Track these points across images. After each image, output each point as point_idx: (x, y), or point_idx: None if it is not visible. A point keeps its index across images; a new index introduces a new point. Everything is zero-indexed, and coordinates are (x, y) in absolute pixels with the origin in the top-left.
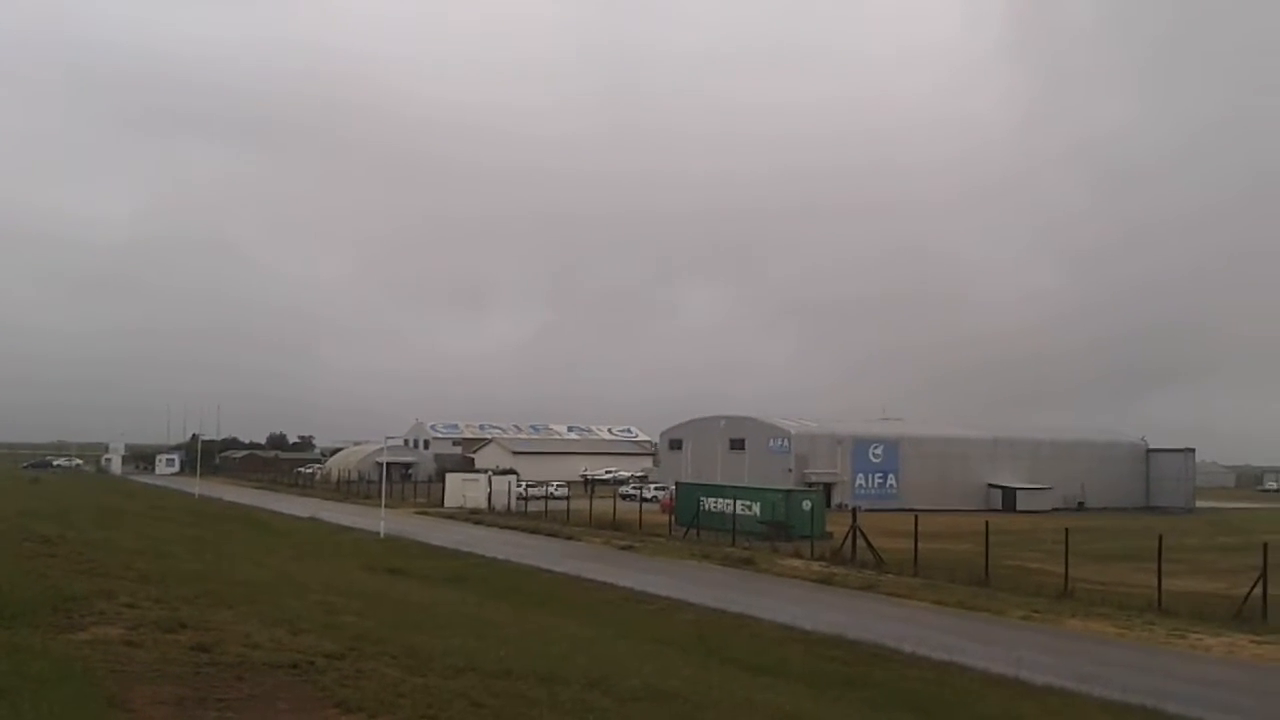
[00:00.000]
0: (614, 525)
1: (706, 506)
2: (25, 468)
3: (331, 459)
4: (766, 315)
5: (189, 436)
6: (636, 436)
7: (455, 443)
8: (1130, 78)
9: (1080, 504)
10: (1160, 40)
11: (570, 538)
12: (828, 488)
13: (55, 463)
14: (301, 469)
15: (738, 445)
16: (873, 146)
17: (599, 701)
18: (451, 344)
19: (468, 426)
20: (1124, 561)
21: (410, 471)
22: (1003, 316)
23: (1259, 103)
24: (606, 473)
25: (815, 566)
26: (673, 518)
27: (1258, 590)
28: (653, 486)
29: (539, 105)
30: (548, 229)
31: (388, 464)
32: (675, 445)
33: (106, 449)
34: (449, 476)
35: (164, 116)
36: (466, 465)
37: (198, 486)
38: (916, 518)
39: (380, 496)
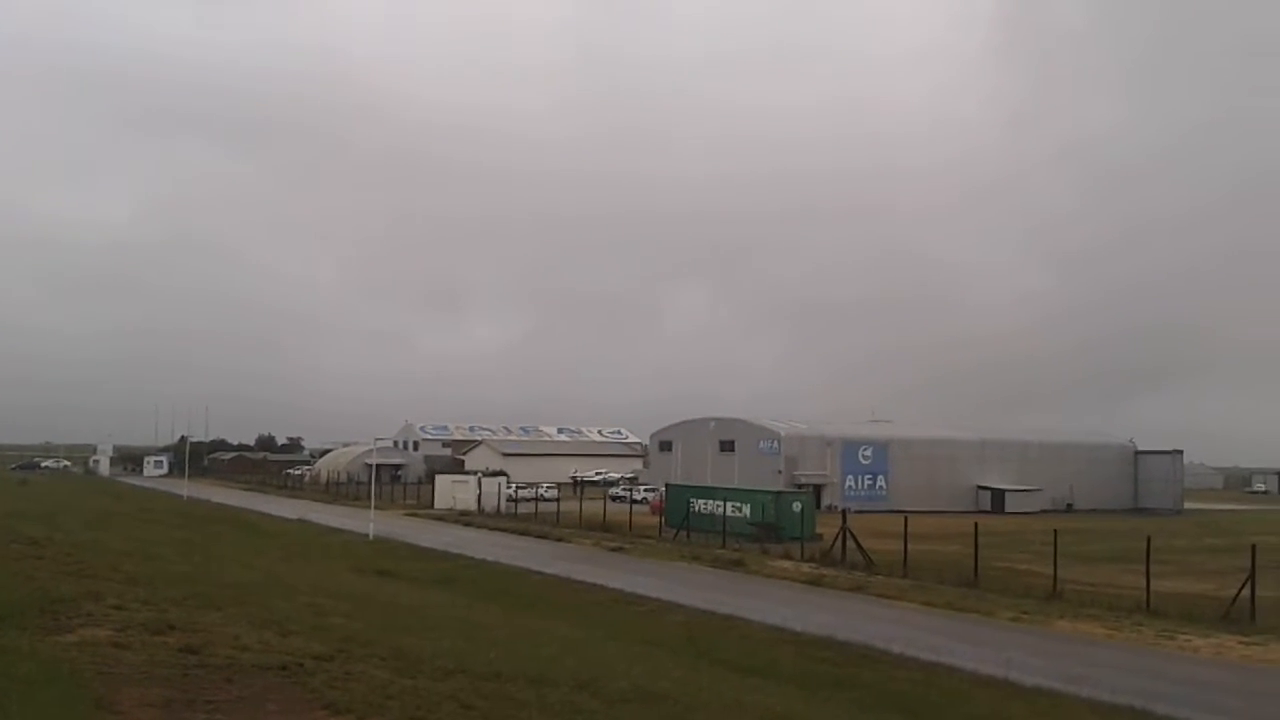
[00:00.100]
0: (604, 527)
1: (696, 508)
2: (13, 469)
3: (320, 460)
4: (756, 317)
5: (177, 438)
6: (626, 438)
7: (445, 444)
8: (1119, 79)
9: (1069, 505)
10: (1149, 41)
11: (560, 539)
12: (817, 489)
13: (43, 464)
14: (290, 470)
15: (728, 447)
16: (863, 149)
17: (588, 703)
18: (441, 345)
19: (457, 428)
20: (1113, 563)
21: (399, 473)
22: (992, 318)
23: (1249, 104)
24: (597, 474)
25: (805, 568)
26: (663, 519)
27: (1246, 592)
28: (643, 488)
29: (534, 107)
30: (538, 230)
31: (377, 465)
32: (665, 447)
33: (94, 450)
34: (438, 478)
35: (155, 118)
36: (456, 467)
37: (186, 488)
38: (906, 519)
39: (369, 498)
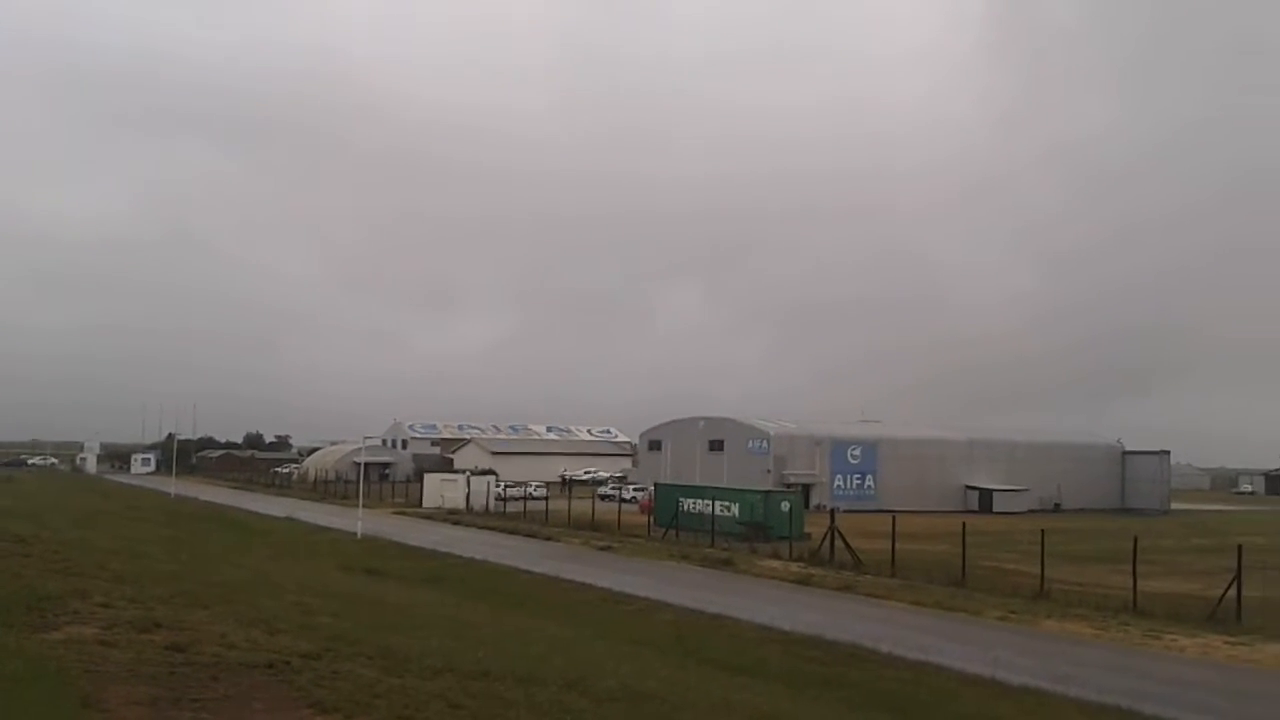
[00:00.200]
0: (593, 526)
1: (685, 507)
2: None
3: (308, 459)
4: (746, 317)
5: (165, 436)
6: (616, 437)
7: (434, 443)
8: (1110, 78)
9: (1056, 505)
10: (1140, 40)
11: (549, 538)
12: (806, 489)
13: (30, 461)
14: (278, 469)
15: (717, 446)
16: (856, 149)
17: (576, 702)
18: (431, 344)
19: (446, 427)
20: (1100, 563)
21: (388, 472)
22: (981, 318)
23: (1239, 103)
24: (586, 473)
25: (793, 567)
26: (651, 518)
27: (1232, 592)
28: (632, 487)
29: (529, 107)
30: (528, 230)
31: (365, 464)
32: (654, 446)
33: (81, 448)
34: (427, 477)
35: (147, 116)
36: (445, 465)
37: (173, 486)
38: (894, 519)
39: (358, 496)
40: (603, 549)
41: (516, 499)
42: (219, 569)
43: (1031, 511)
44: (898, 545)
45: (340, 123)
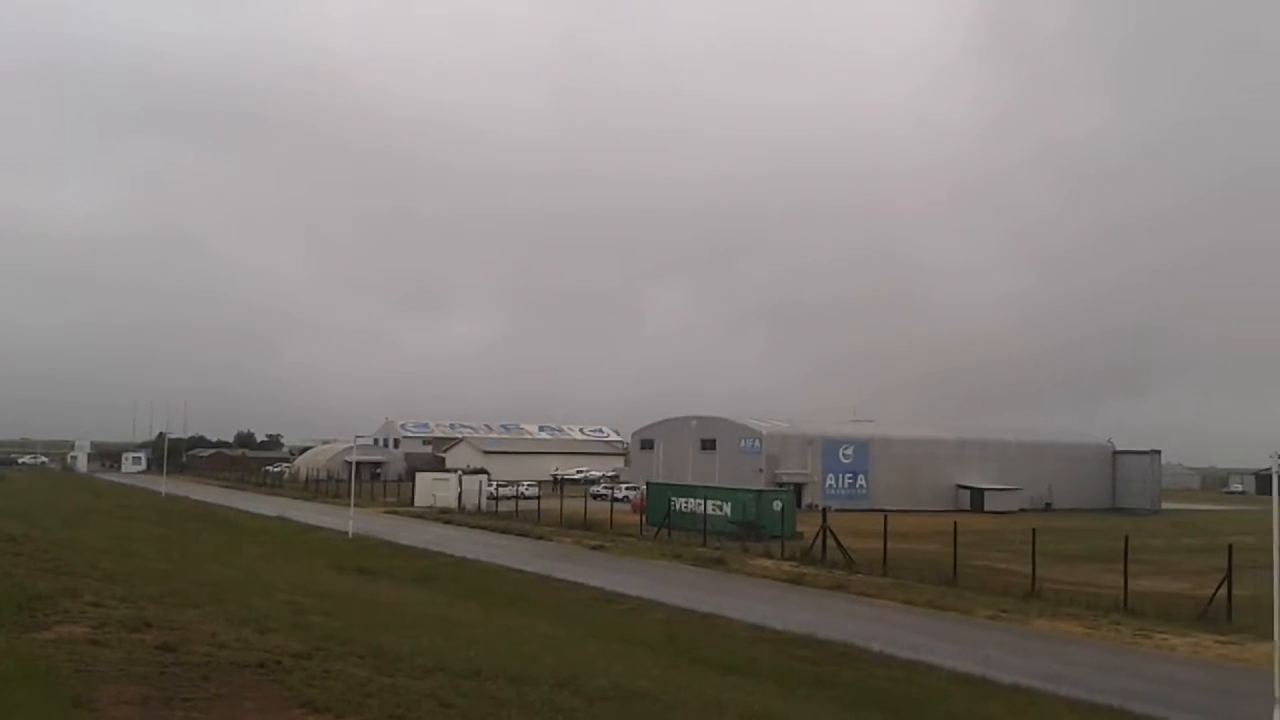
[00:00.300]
0: (585, 525)
1: (677, 506)
2: None
3: (300, 458)
4: (738, 316)
5: (155, 434)
6: (608, 436)
7: (426, 442)
8: (1101, 79)
9: (1047, 505)
10: (1131, 41)
11: (541, 537)
12: (798, 488)
13: (20, 460)
14: (269, 468)
15: (709, 445)
16: (847, 150)
17: (568, 702)
18: (423, 343)
19: (438, 426)
20: (1090, 562)
21: (380, 471)
22: (973, 318)
23: (1231, 103)
24: (578, 472)
25: (786, 566)
26: (644, 518)
27: (1222, 591)
28: (624, 486)
29: (521, 106)
30: (522, 229)
31: (357, 463)
32: (647, 445)
33: (72, 447)
34: (419, 476)
35: (138, 113)
36: (437, 465)
37: (164, 485)
38: (886, 518)
39: (349, 496)
40: (595, 548)
41: (508, 498)
42: (210, 568)
43: (1023, 511)
44: (889, 544)
45: (335, 121)
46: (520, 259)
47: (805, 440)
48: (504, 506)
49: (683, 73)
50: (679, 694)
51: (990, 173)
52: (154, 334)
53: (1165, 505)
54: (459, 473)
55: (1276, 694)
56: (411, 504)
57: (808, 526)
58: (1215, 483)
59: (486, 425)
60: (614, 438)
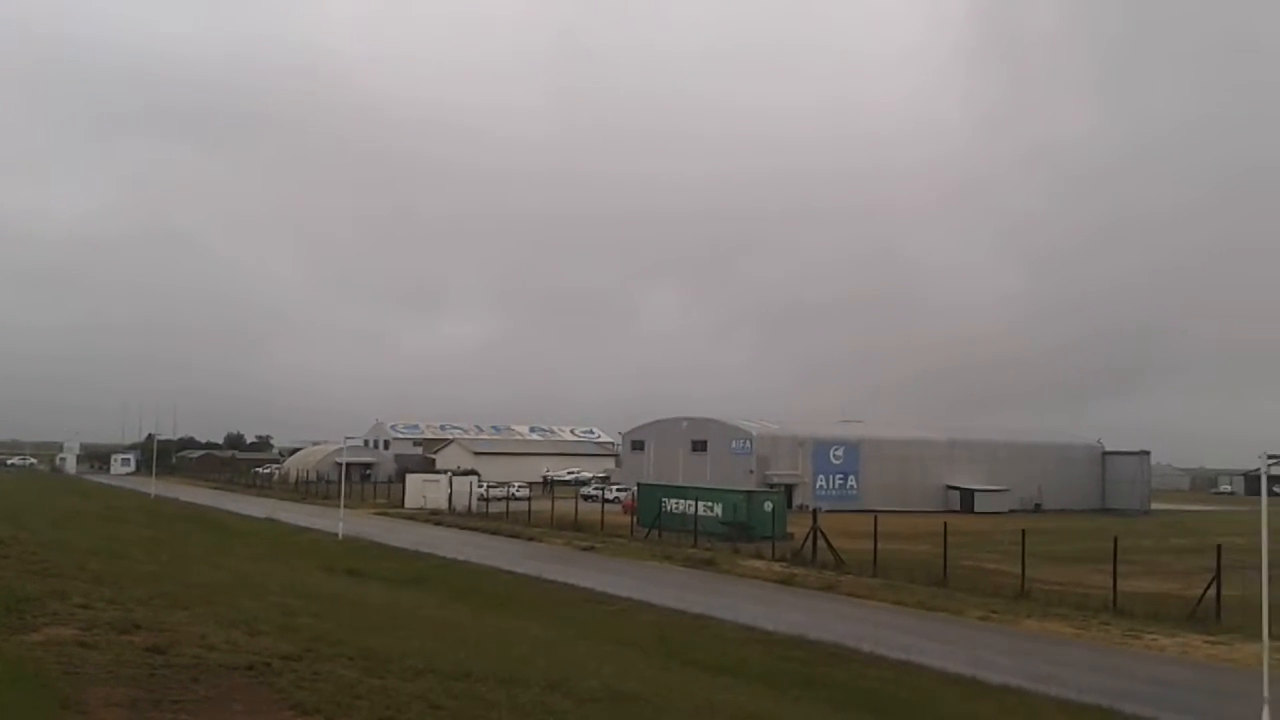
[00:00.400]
0: (575, 526)
1: (668, 507)
2: None
3: (290, 459)
4: (729, 317)
5: (145, 436)
6: (599, 437)
7: (416, 443)
8: (1092, 80)
9: (1037, 505)
10: (1121, 42)
11: (531, 539)
12: (789, 489)
13: (8, 462)
14: (259, 469)
15: (700, 446)
16: (839, 150)
17: (559, 703)
18: (413, 344)
19: (429, 427)
20: (1080, 562)
21: (370, 472)
22: (963, 319)
23: (1221, 104)
24: (569, 473)
25: (776, 567)
26: (634, 519)
27: (1211, 591)
28: (615, 487)
29: (516, 106)
30: (512, 229)
31: (347, 464)
32: (637, 446)
33: (61, 448)
34: (409, 477)
35: (131, 113)
36: (427, 466)
37: (153, 486)
38: (876, 519)
39: (339, 497)
40: (585, 549)
41: (499, 499)
42: (199, 570)
43: (1012, 511)
44: (880, 545)
45: (331, 121)
46: (514, 259)
47: (796, 441)
48: (494, 508)
49: (681, 73)
50: (670, 695)
51: (981, 173)
52: (144, 335)
53: (1154, 506)
54: (449, 474)
55: (1265, 694)
56: (402, 505)
57: (798, 527)
58: (1204, 483)
59: (477, 426)
60: (605, 439)
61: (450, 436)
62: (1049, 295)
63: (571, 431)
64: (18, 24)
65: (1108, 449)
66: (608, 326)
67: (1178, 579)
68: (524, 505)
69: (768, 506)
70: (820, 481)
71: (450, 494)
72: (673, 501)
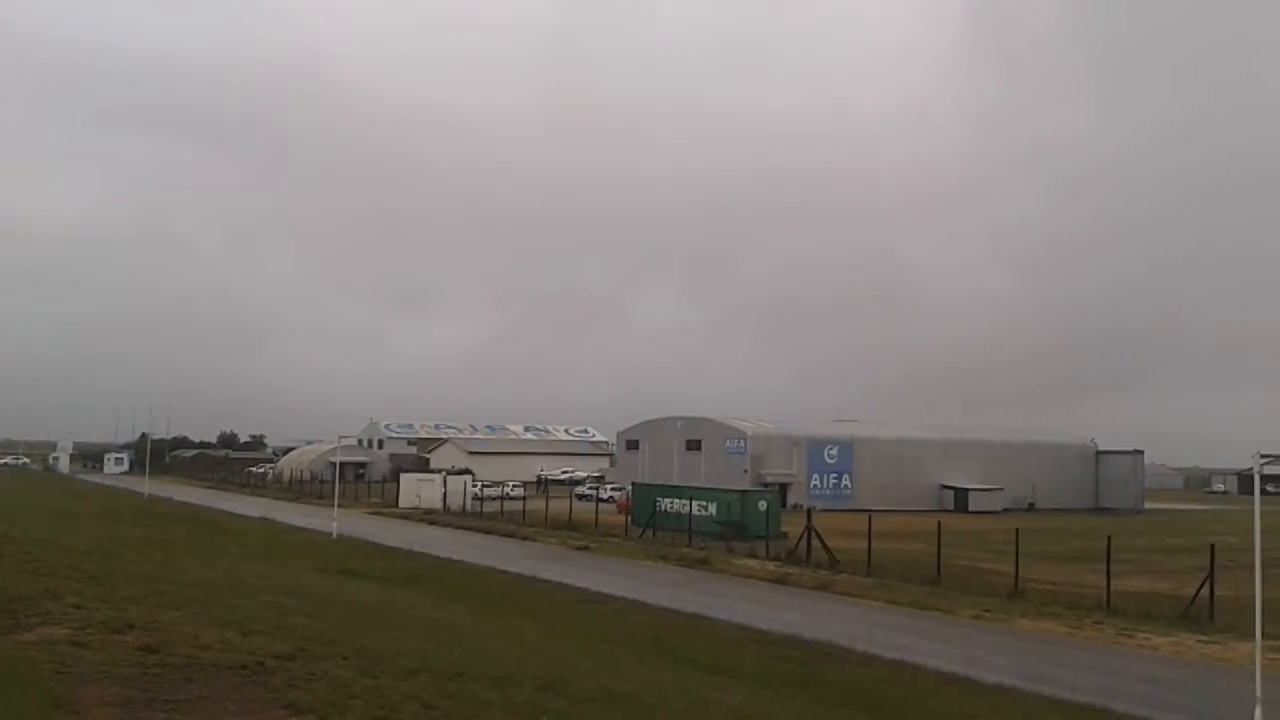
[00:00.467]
0: (570, 526)
1: (663, 507)
2: None
3: (284, 458)
4: (724, 317)
5: (138, 435)
6: (593, 437)
7: (410, 442)
8: (1086, 80)
9: (1031, 505)
10: (1116, 42)
11: (526, 538)
12: (783, 488)
13: (2, 461)
14: (253, 468)
15: (694, 446)
16: (834, 150)
17: (552, 703)
18: (407, 343)
19: (423, 426)
20: (1073, 562)
21: (364, 471)
22: (958, 319)
23: (1216, 104)
24: (563, 473)
25: (770, 567)
26: (629, 518)
27: (1205, 591)
28: (609, 487)
29: (510, 106)
30: (505, 229)
31: (341, 464)
32: (632, 446)
33: (54, 447)
34: (403, 476)
35: (124, 112)
36: (422, 465)
37: (147, 486)
38: (870, 518)
39: (333, 496)
40: (580, 549)
41: (493, 499)
42: (192, 569)
43: (1006, 511)
44: (874, 544)
45: (322, 120)
46: (509, 259)
47: (790, 441)
48: (489, 507)
49: (675, 73)
50: (664, 695)
51: (975, 174)
52: (138, 334)
53: (1148, 505)
54: (444, 473)
55: (1258, 693)
56: (396, 505)
57: (793, 527)
58: (1198, 483)
59: (471, 426)
60: (599, 438)
61: (445, 436)
62: (1043, 295)
63: (566, 431)
64: (17, 24)
65: (1101, 448)
66: (602, 326)
67: (1171, 578)
68: (518, 505)
69: (762, 506)
70: (815, 481)
71: (445, 493)
72: (667, 501)
